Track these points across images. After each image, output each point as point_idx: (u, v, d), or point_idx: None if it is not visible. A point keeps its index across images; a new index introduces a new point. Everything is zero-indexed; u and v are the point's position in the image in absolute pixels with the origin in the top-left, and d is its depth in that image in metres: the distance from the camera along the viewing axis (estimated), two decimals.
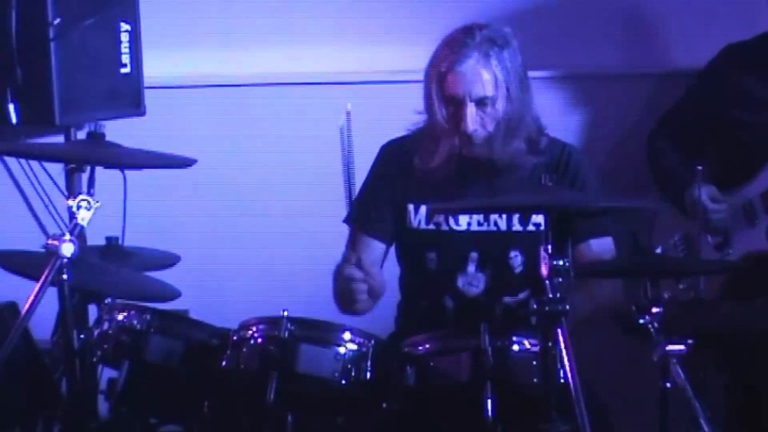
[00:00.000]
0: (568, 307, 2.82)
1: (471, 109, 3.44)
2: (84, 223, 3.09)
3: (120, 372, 3.12)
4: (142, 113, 4.21)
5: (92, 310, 3.49)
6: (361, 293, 3.33)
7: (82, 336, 3.20)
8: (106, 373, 3.28)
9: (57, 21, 3.91)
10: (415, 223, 3.60)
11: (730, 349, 3.66)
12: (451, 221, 3.56)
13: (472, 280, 3.55)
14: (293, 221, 4.39)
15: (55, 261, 3.02)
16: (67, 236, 3.04)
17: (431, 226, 3.58)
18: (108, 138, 4.07)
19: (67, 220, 3.10)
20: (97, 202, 3.09)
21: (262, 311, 4.07)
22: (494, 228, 3.54)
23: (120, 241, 3.83)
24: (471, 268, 3.54)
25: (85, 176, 3.14)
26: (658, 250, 3.83)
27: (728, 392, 3.91)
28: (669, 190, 4.03)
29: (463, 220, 3.55)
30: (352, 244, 3.67)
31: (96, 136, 3.19)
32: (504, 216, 3.52)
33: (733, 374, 3.87)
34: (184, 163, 3.21)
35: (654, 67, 4.37)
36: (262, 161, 4.42)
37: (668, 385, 2.94)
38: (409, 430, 2.99)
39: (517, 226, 3.53)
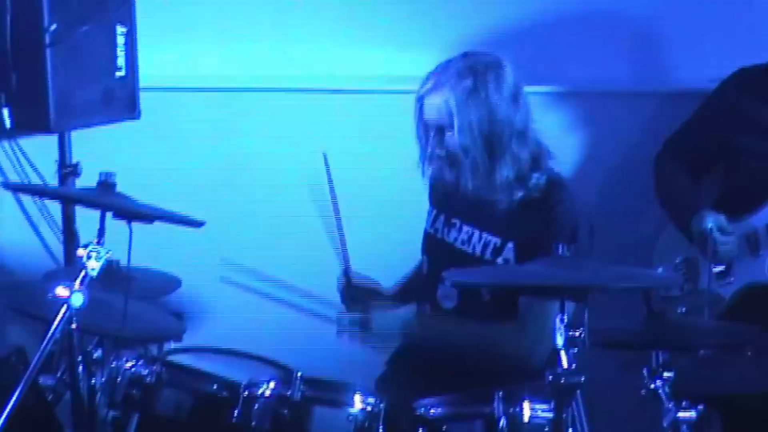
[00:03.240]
0: (583, 379, 2.83)
1: (433, 136, 3.50)
2: (94, 273, 3.06)
3: (129, 424, 3.11)
4: (137, 117, 4.15)
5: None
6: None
7: (92, 381, 3.19)
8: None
9: (53, 27, 3.84)
10: (427, 225, 3.71)
11: (741, 413, 3.67)
12: (445, 231, 3.64)
13: (449, 293, 3.59)
14: (289, 224, 4.35)
15: (65, 311, 3.00)
16: (78, 286, 3.02)
17: (431, 231, 3.68)
18: (102, 141, 4.11)
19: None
20: (109, 251, 3.06)
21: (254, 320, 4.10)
22: (471, 251, 3.58)
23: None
24: (448, 282, 3.52)
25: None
26: (660, 270, 3.84)
27: None
28: (675, 214, 4.01)
29: (453, 234, 3.62)
30: None
31: (107, 186, 3.12)
32: (482, 242, 3.55)
33: None
34: (195, 222, 3.21)
35: (659, 86, 4.31)
36: (257, 164, 4.36)
37: None
38: None
39: (488, 256, 3.55)
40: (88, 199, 3.21)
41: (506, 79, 3.47)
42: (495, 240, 3.54)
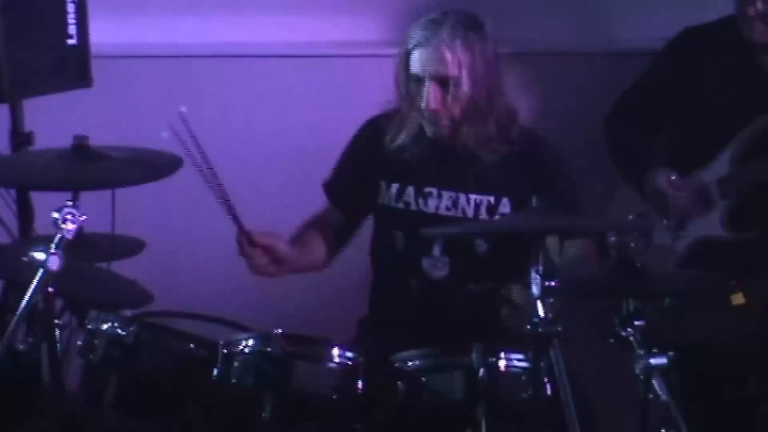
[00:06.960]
0: (560, 328, 2.89)
1: (431, 88, 3.47)
2: (69, 236, 3.05)
3: (108, 385, 3.11)
4: (89, 85, 4.13)
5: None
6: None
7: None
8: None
9: None
10: (385, 201, 3.66)
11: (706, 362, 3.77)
12: (420, 202, 3.62)
13: (437, 263, 3.57)
14: (244, 191, 4.34)
15: (42, 275, 2.99)
16: (53, 249, 3.00)
17: (401, 205, 3.64)
18: (56, 109, 4.07)
19: None
20: (83, 215, 3.05)
21: (224, 289, 4.10)
22: (461, 214, 3.60)
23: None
24: (436, 251, 3.54)
25: None
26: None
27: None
28: (627, 171, 4.10)
29: (432, 203, 3.61)
30: (326, 209, 3.76)
31: (81, 148, 3.11)
32: (472, 204, 3.58)
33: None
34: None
35: (608, 45, 4.38)
36: (209, 131, 4.35)
37: (650, 396, 3.03)
38: None
39: (484, 215, 3.58)
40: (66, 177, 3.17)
41: (491, 35, 3.55)
42: (487, 199, 3.58)
